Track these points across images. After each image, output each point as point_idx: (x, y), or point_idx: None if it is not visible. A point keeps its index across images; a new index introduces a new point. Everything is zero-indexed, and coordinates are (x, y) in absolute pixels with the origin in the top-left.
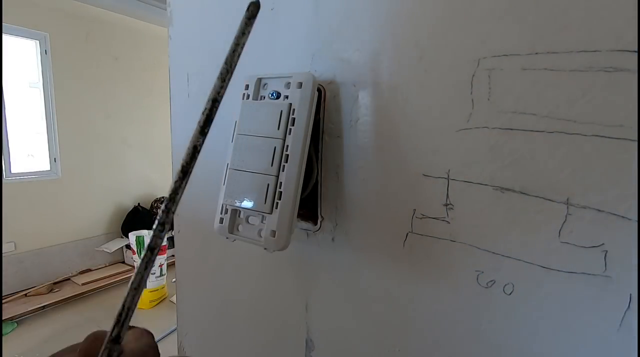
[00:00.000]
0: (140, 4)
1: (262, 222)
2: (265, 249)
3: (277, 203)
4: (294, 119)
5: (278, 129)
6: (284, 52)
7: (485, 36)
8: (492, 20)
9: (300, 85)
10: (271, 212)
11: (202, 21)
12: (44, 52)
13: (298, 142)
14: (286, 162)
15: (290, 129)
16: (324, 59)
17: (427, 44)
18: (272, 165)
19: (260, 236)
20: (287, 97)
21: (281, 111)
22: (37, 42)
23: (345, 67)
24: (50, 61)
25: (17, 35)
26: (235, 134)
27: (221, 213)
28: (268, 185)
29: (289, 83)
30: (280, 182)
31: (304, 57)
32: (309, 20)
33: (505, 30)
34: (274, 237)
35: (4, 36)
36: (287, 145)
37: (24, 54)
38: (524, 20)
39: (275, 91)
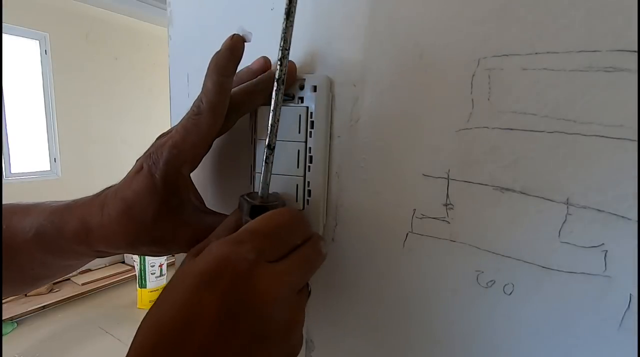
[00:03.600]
0: (140, 4)
1: None
2: None
3: (308, 200)
4: (312, 121)
5: (299, 132)
6: None
7: (485, 36)
8: (492, 20)
9: (314, 88)
10: (303, 209)
11: (202, 21)
12: (44, 52)
13: (320, 143)
14: (311, 163)
15: (311, 132)
16: (324, 59)
17: (427, 44)
18: (297, 166)
19: None
20: (301, 99)
21: (300, 115)
22: (37, 42)
23: (345, 67)
24: (50, 61)
25: (17, 35)
26: (255, 139)
27: None
28: (297, 185)
29: (303, 85)
30: (308, 182)
31: (304, 57)
32: (309, 20)
33: (505, 30)
34: None
35: (4, 36)
36: (310, 147)
37: (24, 54)
38: (524, 20)
39: (287, 93)
